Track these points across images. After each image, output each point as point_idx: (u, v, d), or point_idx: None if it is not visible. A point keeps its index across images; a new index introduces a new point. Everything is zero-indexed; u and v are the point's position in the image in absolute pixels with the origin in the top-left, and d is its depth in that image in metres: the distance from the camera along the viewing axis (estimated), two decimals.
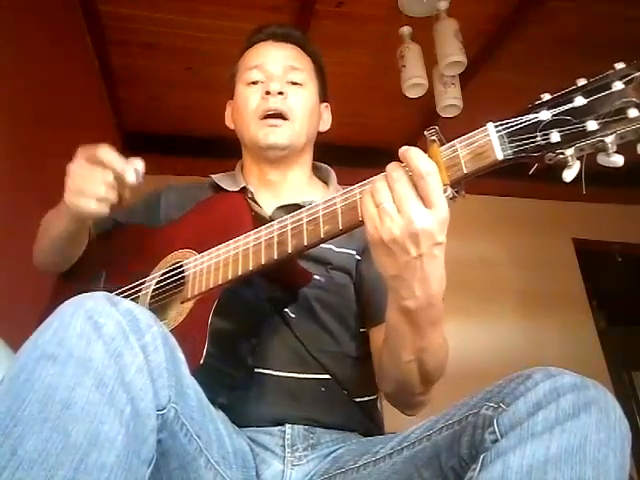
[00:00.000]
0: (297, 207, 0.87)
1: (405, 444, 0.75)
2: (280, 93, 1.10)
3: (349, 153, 2.86)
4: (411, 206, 0.70)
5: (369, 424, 0.98)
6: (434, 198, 0.70)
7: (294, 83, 1.13)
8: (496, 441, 0.61)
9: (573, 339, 3.13)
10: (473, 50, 2.43)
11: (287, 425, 0.90)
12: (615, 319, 3.49)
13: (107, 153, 0.92)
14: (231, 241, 0.87)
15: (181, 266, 0.93)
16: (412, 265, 0.73)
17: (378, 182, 0.73)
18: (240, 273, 0.84)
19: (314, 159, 1.22)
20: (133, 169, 0.92)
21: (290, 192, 1.12)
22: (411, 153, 0.71)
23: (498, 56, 2.61)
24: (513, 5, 2.38)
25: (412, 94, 2.18)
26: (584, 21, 2.43)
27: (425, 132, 0.74)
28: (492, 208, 3.44)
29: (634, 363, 3.48)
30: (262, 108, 1.10)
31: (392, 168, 0.73)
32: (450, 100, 2.16)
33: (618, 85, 0.65)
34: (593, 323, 3.31)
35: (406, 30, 2.21)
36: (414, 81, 2.12)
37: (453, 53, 2.03)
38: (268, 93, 1.10)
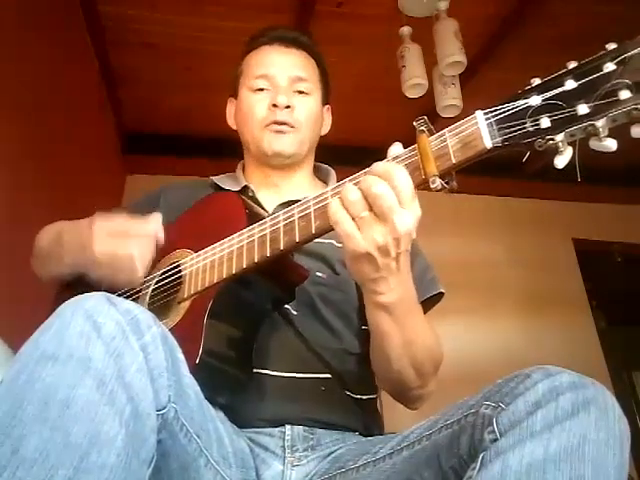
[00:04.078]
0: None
1: (405, 444, 0.75)
2: (287, 107, 1.10)
3: (349, 153, 2.85)
4: (393, 212, 0.70)
5: (369, 423, 0.98)
6: (410, 200, 0.71)
7: (300, 92, 1.14)
8: (495, 440, 0.61)
9: (573, 339, 3.13)
10: (473, 50, 2.43)
11: (287, 426, 0.90)
12: (615, 319, 3.48)
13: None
14: (226, 239, 0.87)
15: (178, 266, 0.93)
16: (391, 265, 0.75)
17: (350, 194, 0.72)
18: (235, 271, 0.84)
19: (314, 159, 1.23)
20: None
21: (292, 191, 1.13)
22: (381, 167, 0.72)
23: (498, 56, 2.61)
24: (513, 5, 2.39)
25: (412, 94, 2.18)
26: (584, 22, 2.43)
27: (414, 122, 0.73)
28: (492, 208, 3.44)
29: (634, 363, 3.48)
30: (269, 120, 1.10)
31: (372, 182, 0.72)
32: (450, 100, 2.17)
33: (610, 66, 0.62)
34: (593, 323, 3.30)
35: (406, 30, 2.21)
36: (414, 81, 2.12)
37: (453, 53, 2.03)
38: (275, 106, 1.10)
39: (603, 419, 0.59)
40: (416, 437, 0.74)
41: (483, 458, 0.60)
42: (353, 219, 0.72)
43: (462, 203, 3.09)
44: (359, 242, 0.72)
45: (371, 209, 0.71)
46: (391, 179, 0.71)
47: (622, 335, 3.42)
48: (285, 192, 1.13)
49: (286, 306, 0.96)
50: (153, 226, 0.90)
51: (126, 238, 0.88)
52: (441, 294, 1.07)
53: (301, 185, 1.16)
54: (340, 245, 1.00)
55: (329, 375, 0.95)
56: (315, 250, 0.98)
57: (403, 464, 0.73)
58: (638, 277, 3.43)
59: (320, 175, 1.23)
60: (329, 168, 1.23)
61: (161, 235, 0.90)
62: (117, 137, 3.07)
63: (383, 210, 0.70)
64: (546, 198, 3.48)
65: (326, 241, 0.99)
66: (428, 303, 1.04)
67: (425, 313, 1.00)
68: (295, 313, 0.97)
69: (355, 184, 0.74)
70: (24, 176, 1.77)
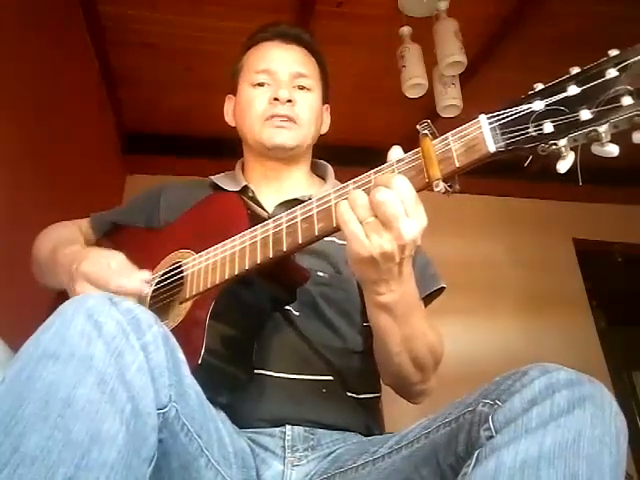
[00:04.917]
0: (296, 202, 0.87)
1: (403, 443, 0.75)
2: (289, 101, 1.10)
3: (349, 153, 2.86)
4: (400, 220, 0.71)
5: (370, 423, 0.98)
6: (417, 210, 0.72)
7: (301, 88, 1.13)
8: (491, 437, 0.61)
9: (573, 339, 3.13)
10: (473, 50, 2.43)
11: (287, 426, 0.90)
12: (615, 319, 3.48)
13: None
14: (228, 240, 0.87)
15: (180, 267, 0.93)
16: (393, 269, 0.76)
17: (359, 198, 0.73)
18: (237, 273, 0.84)
19: (313, 158, 1.23)
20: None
21: (291, 188, 1.13)
22: (381, 178, 0.73)
23: (498, 56, 2.61)
24: (513, 5, 2.38)
25: (412, 94, 2.18)
26: (584, 22, 2.44)
27: (418, 126, 0.74)
28: (492, 208, 3.44)
29: (634, 363, 3.48)
30: (269, 113, 1.10)
31: (379, 189, 0.72)
32: (450, 100, 2.16)
33: (612, 72, 0.63)
34: (593, 323, 3.30)
35: (406, 30, 2.21)
36: (414, 81, 2.12)
37: (453, 53, 2.03)
38: (276, 100, 1.10)
39: (599, 416, 0.59)
40: (415, 436, 0.74)
41: (478, 455, 0.61)
42: (360, 222, 0.73)
43: (463, 203, 3.09)
44: (364, 245, 0.73)
45: (376, 216, 0.72)
46: (393, 189, 0.71)
47: (622, 335, 3.42)
48: (285, 188, 1.13)
49: (287, 307, 0.96)
50: (138, 283, 0.86)
51: (103, 292, 0.83)
52: (442, 288, 1.08)
53: (300, 181, 1.17)
54: (342, 242, 1.01)
55: (331, 377, 0.96)
56: (317, 248, 0.98)
57: (402, 463, 0.74)
58: (638, 277, 3.43)
59: (318, 171, 1.23)
60: (326, 164, 1.23)
61: (146, 291, 0.88)
62: (117, 137, 3.06)
63: (387, 217, 0.71)
64: (546, 198, 3.48)
65: (328, 238, 0.99)
66: (429, 297, 1.06)
67: (426, 306, 1.01)
68: (297, 314, 0.97)
69: (363, 185, 0.75)
70: (24, 176, 1.77)
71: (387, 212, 0.70)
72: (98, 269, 0.87)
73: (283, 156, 1.12)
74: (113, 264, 0.88)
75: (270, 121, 1.10)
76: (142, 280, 0.87)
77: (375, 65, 2.64)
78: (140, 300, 0.95)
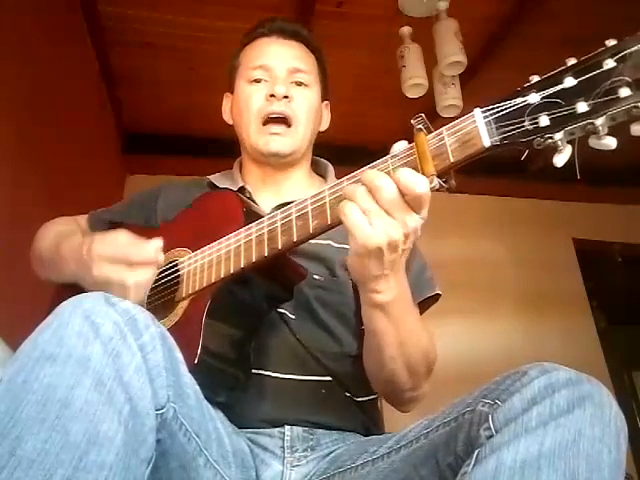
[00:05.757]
0: None
1: (403, 443, 0.75)
2: (285, 97, 1.08)
3: (348, 153, 2.85)
4: (403, 210, 0.70)
5: (369, 424, 0.98)
6: (423, 207, 0.71)
7: (299, 84, 1.12)
8: (491, 437, 0.61)
9: (573, 339, 3.13)
10: (473, 50, 2.43)
11: (287, 427, 0.90)
12: (615, 319, 3.48)
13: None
14: (223, 239, 0.87)
15: (176, 265, 0.93)
16: (396, 262, 0.75)
17: (358, 190, 0.72)
18: (232, 271, 0.84)
19: (313, 155, 1.22)
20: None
21: (289, 189, 1.12)
22: (405, 175, 0.70)
23: (498, 56, 2.61)
24: (513, 5, 2.38)
25: (412, 94, 2.18)
26: (584, 20, 2.43)
27: (412, 120, 0.72)
28: (492, 208, 3.44)
29: (634, 363, 3.48)
30: (266, 111, 1.08)
31: (375, 175, 0.71)
32: (450, 100, 2.17)
33: (610, 63, 0.61)
34: (593, 323, 3.30)
35: (406, 30, 2.21)
36: (414, 81, 2.12)
37: (453, 53, 2.03)
38: (273, 96, 1.08)
39: (598, 415, 0.59)
40: (414, 436, 0.74)
41: (478, 454, 0.60)
42: (364, 212, 0.71)
43: (463, 203, 3.09)
44: (370, 235, 0.71)
45: (377, 203, 0.71)
46: (400, 181, 0.70)
47: (622, 335, 3.42)
48: (283, 190, 1.12)
49: (283, 310, 0.95)
50: (153, 252, 0.84)
51: (125, 267, 0.83)
52: (438, 295, 1.05)
53: (299, 182, 1.15)
54: (339, 246, 1.00)
55: (329, 378, 0.95)
56: (313, 251, 0.97)
57: (401, 463, 0.73)
58: (638, 277, 3.43)
59: (318, 170, 1.21)
60: (327, 162, 1.21)
61: (161, 258, 0.86)
62: (117, 137, 3.06)
63: (390, 201, 0.70)
64: (546, 198, 3.48)
65: (324, 242, 0.98)
66: (424, 304, 1.03)
67: (422, 314, 0.99)
68: (293, 317, 0.96)
69: (357, 180, 0.74)
70: (24, 176, 1.77)
71: (388, 197, 0.70)
72: (112, 247, 0.86)
73: (280, 162, 1.11)
74: (121, 239, 0.87)
75: (266, 127, 1.08)
76: (157, 248, 0.85)
77: (375, 65, 2.64)
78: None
